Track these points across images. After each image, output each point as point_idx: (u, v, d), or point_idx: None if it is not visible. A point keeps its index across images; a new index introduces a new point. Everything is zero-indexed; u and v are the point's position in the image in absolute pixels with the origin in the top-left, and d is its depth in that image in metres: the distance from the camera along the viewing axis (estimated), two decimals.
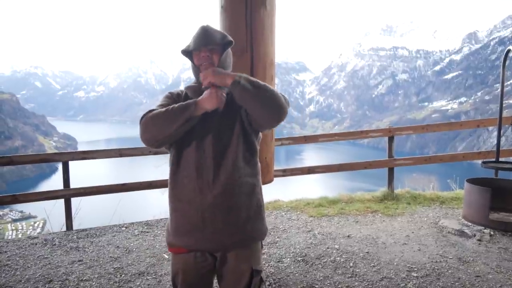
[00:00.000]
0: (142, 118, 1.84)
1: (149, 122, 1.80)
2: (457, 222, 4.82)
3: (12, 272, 4.00)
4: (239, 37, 3.10)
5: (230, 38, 1.94)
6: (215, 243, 1.88)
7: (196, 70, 1.93)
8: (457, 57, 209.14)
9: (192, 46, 1.89)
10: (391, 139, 6.19)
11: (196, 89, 1.94)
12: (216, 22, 3.32)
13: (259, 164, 2.00)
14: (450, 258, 3.93)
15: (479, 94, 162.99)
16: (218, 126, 1.87)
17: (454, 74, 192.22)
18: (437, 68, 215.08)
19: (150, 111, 1.84)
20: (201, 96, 1.82)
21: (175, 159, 1.92)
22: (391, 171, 6.25)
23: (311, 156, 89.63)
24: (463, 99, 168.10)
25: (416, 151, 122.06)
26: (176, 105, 1.80)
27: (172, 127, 1.77)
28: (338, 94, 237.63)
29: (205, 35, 1.87)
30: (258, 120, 1.83)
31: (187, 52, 1.94)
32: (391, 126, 6.31)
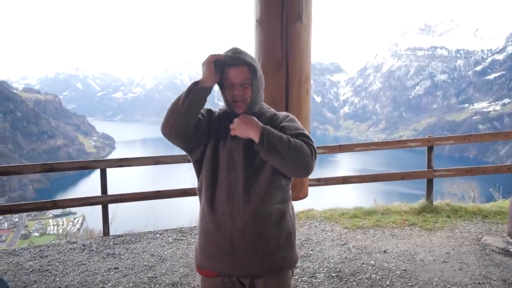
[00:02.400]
0: None
1: (166, 113, 1.84)
2: (501, 240, 4.57)
3: (52, 278, 4.13)
4: (274, 52, 3.07)
5: (259, 70, 1.91)
6: (243, 270, 1.86)
7: (228, 104, 1.92)
8: (500, 57, 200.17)
9: (224, 61, 1.82)
10: (430, 149, 5.96)
11: (229, 116, 1.92)
12: (251, 36, 3.30)
13: (290, 190, 1.96)
14: (494, 280, 3.73)
15: None
16: (251, 150, 1.83)
17: (497, 74, 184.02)
18: (479, 68, 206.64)
19: None
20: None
21: (206, 181, 1.90)
22: (430, 183, 6.02)
23: (345, 158, 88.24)
24: (506, 100, 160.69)
25: (455, 154, 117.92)
26: None
27: (178, 104, 1.78)
28: (374, 95, 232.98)
29: (238, 54, 1.83)
30: (282, 171, 1.83)
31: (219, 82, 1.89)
32: (430, 136, 6.07)
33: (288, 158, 1.71)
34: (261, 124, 1.77)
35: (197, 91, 1.78)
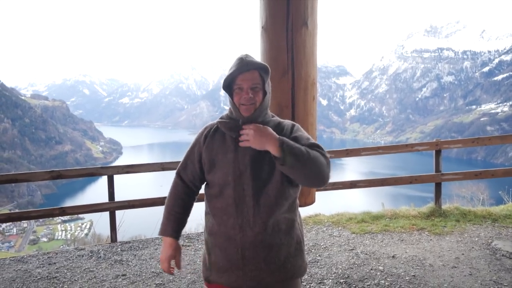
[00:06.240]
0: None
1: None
2: (511, 244, 4.52)
3: (60, 285, 4.14)
4: (279, 58, 3.07)
5: (268, 68, 1.87)
6: (255, 281, 1.85)
7: (234, 107, 1.86)
8: (508, 58, 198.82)
9: (232, 73, 1.80)
10: (438, 153, 5.91)
11: (231, 126, 1.88)
12: (256, 42, 3.30)
13: (297, 199, 1.96)
14: (505, 285, 3.68)
15: None
16: (258, 162, 1.82)
17: (505, 75, 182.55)
18: (486, 69, 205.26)
19: None
20: None
21: (213, 194, 1.89)
22: (438, 186, 5.96)
23: (352, 161, 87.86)
24: None
25: (464, 156, 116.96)
26: None
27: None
28: (380, 97, 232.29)
29: (246, 61, 1.81)
30: (299, 183, 1.87)
31: (227, 87, 1.88)
32: (438, 139, 6.02)
33: (307, 169, 1.70)
34: (276, 135, 1.74)
35: None
